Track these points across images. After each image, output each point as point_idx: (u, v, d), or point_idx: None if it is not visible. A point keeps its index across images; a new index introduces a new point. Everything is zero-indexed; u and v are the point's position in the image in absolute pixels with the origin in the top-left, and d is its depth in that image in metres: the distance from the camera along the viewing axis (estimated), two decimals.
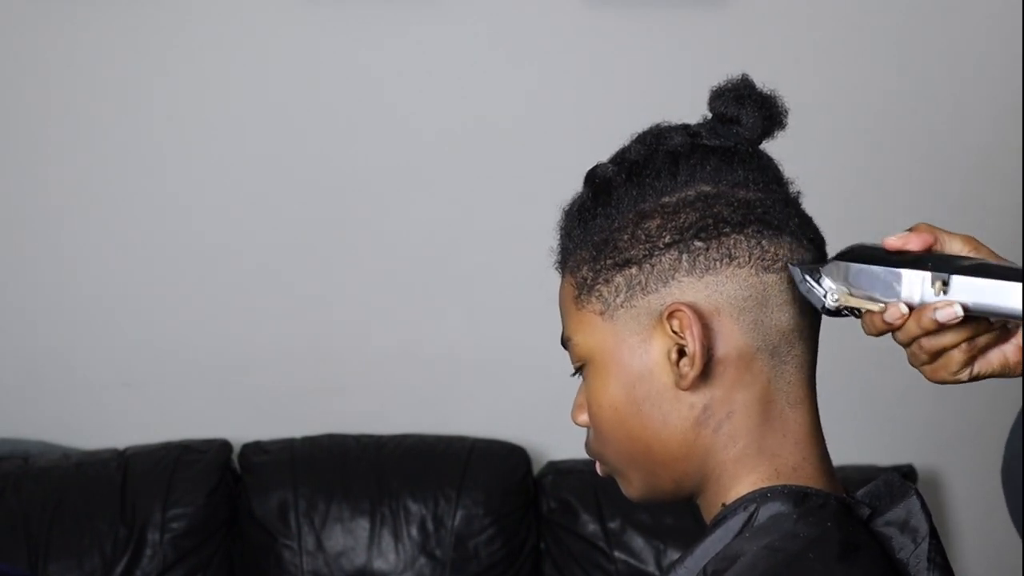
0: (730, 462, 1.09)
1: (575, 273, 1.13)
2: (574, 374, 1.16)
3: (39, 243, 2.86)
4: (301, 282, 2.89)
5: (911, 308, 1.06)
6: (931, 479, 2.93)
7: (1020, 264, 1.05)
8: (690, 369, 1.07)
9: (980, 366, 1.08)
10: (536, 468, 2.85)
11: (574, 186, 1.17)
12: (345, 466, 2.76)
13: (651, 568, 2.68)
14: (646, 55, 2.84)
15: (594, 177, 1.13)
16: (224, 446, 2.79)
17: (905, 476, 2.78)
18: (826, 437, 1.13)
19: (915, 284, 1.06)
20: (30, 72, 2.81)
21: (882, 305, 1.07)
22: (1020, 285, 1.01)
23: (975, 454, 2.91)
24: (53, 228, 2.86)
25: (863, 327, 1.09)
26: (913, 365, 1.09)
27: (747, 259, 1.08)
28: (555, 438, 2.84)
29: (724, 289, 1.08)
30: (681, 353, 1.07)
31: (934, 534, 1.11)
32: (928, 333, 1.06)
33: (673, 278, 1.08)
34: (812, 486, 1.09)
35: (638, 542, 2.71)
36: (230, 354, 2.89)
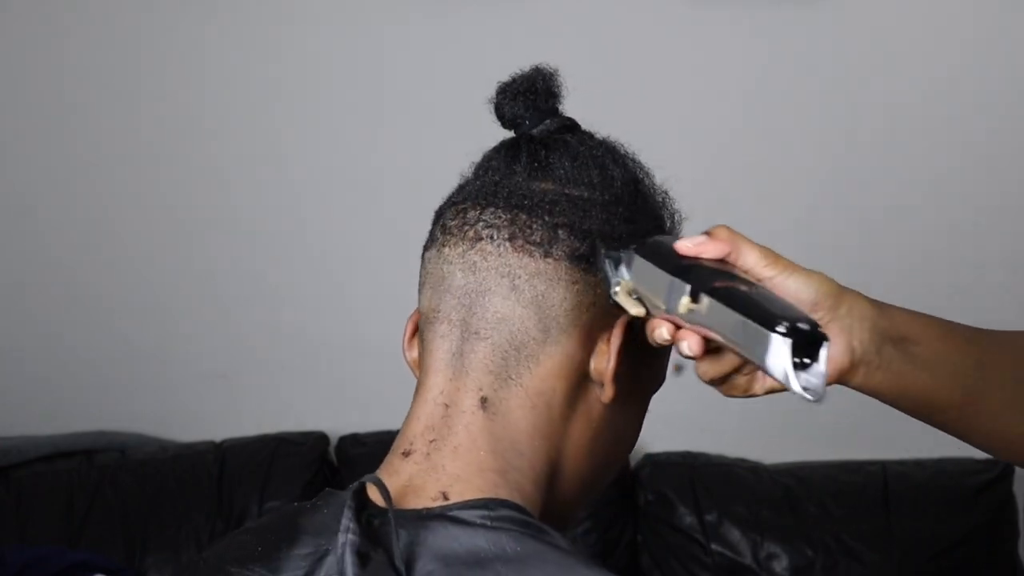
0: None
1: None
2: None
3: (133, 238, 2.88)
4: (396, 275, 2.87)
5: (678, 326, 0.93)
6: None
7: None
8: None
9: (773, 381, 0.95)
10: (633, 460, 2.82)
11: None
12: None
13: (748, 561, 2.64)
14: (743, 53, 2.80)
15: None
16: (321, 438, 2.80)
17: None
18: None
19: (676, 297, 0.92)
20: (124, 75, 2.84)
21: (642, 310, 0.96)
22: (764, 330, 0.86)
23: None
24: (148, 224, 2.88)
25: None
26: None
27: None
28: (653, 430, 2.79)
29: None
30: None
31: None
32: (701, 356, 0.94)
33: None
34: None
35: (735, 534, 2.67)
36: (327, 346, 2.89)
